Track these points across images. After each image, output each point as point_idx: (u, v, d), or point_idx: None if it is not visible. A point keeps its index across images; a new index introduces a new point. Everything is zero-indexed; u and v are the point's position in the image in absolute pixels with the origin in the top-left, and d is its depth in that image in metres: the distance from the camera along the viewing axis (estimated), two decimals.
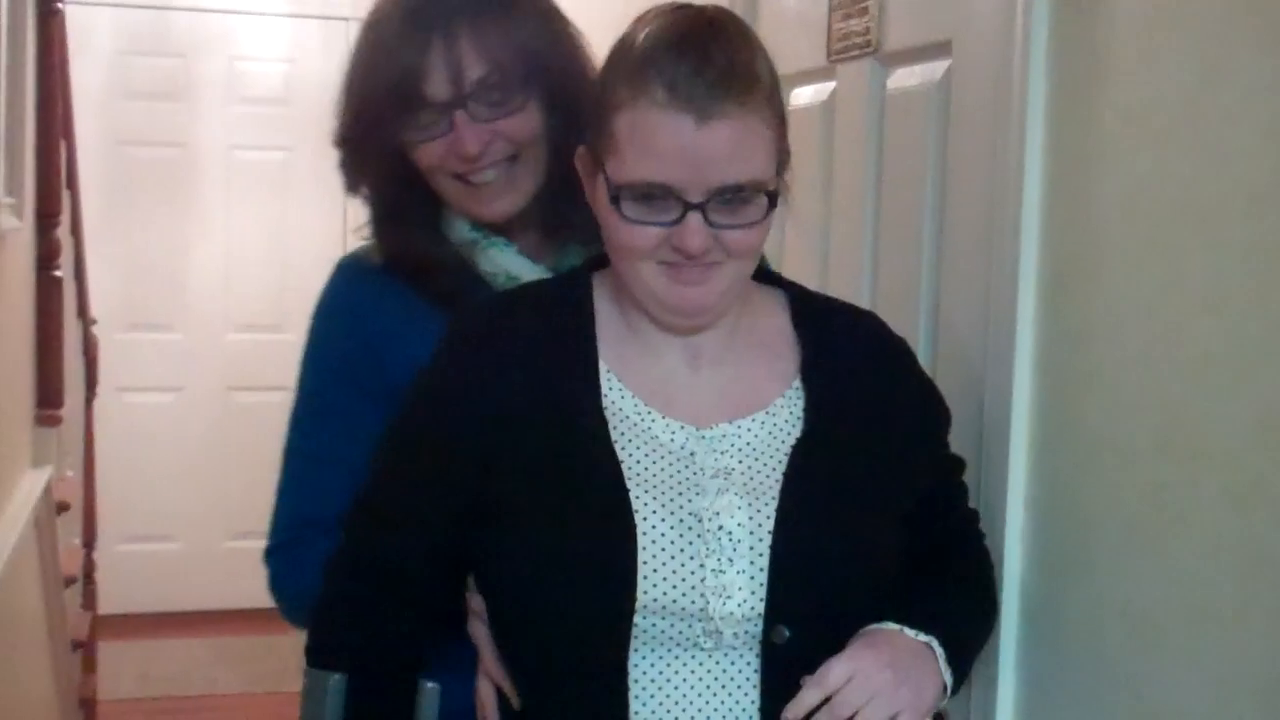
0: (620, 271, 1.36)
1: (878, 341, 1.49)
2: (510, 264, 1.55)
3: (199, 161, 5.59)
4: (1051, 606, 1.55)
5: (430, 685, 1.39)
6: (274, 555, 1.61)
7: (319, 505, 1.55)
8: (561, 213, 1.54)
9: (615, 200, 1.29)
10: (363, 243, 1.63)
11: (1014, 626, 1.60)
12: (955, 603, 1.43)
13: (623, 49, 1.32)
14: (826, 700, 1.27)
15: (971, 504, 1.60)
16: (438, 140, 1.46)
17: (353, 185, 1.59)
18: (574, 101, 1.45)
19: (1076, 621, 1.52)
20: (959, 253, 1.76)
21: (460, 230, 1.57)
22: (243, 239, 5.59)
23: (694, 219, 1.26)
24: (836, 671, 1.27)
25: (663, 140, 1.25)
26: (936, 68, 1.83)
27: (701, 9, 1.38)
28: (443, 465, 1.36)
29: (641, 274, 1.32)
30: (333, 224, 5.55)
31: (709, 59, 1.26)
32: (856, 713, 1.26)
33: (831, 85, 2.12)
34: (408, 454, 1.40)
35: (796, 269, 2.04)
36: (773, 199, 1.31)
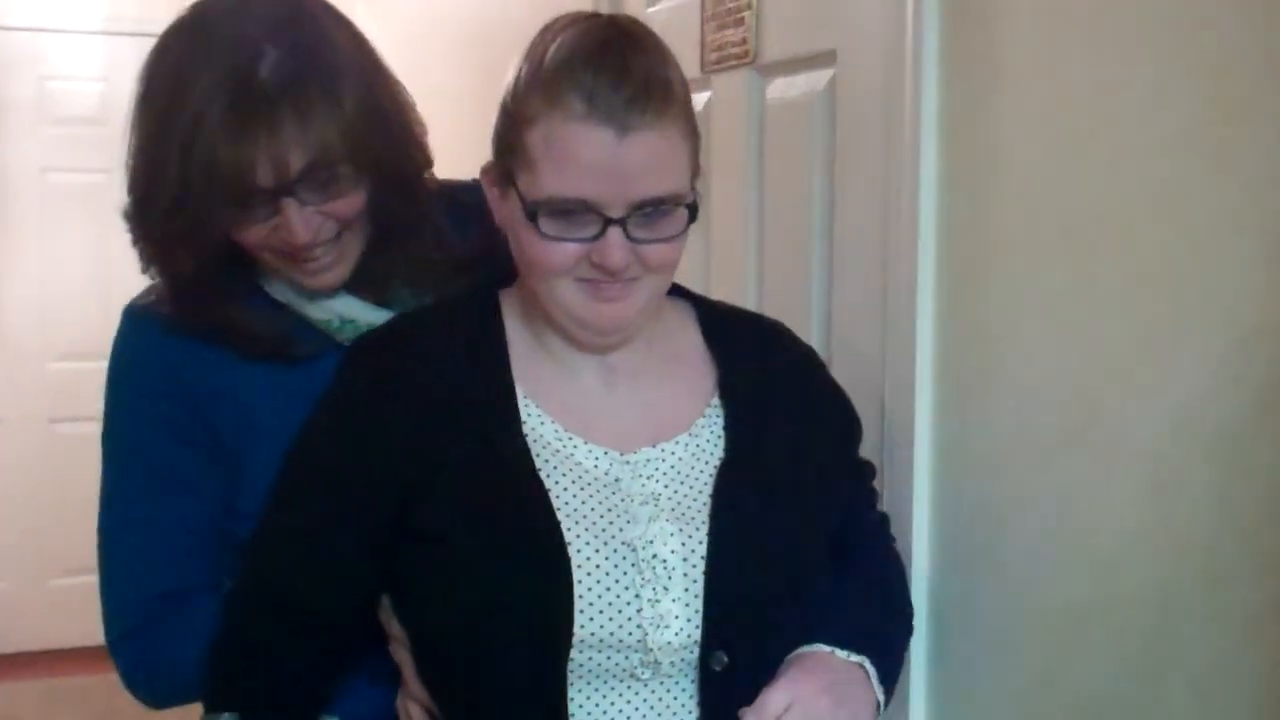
0: (534, 290, 1.31)
1: (790, 353, 1.48)
2: (343, 308, 1.46)
3: (10, 185, 5.34)
4: (962, 606, 1.58)
5: None
6: (127, 642, 1.46)
7: (173, 576, 1.43)
8: (385, 262, 1.46)
9: (532, 217, 1.24)
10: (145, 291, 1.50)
11: (923, 628, 1.62)
12: (880, 618, 1.42)
13: (533, 60, 1.27)
14: None
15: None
16: (264, 223, 1.35)
17: (155, 267, 1.43)
18: (397, 165, 1.40)
19: (989, 620, 1.54)
20: (852, 258, 1.78)
21: (280, 290, 1.46)
22: (61, 264, 5.36)
23: (615, 234, 1.23)
24: (775, 700, 1.24)
25: (582, 154, 1.22)
26: (819, 77, 1.84)
27: (613, 18, 1.35)
28: (354, 496, 1.30)
29: (557, 292, 1.28)
30: None
31: (628, 71, 1.23)
32: None
33: (706, 95, 2.13)
34: (313, 486, 1.34)
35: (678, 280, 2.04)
36: (693, 211, 1.29)
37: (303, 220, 1.33)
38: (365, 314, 1.44)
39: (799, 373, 1.47)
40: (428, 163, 1.47)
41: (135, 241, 1.42)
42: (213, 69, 1.28)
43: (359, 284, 1.44)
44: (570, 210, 1.24)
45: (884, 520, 1.57)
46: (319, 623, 1.35)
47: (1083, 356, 1.41)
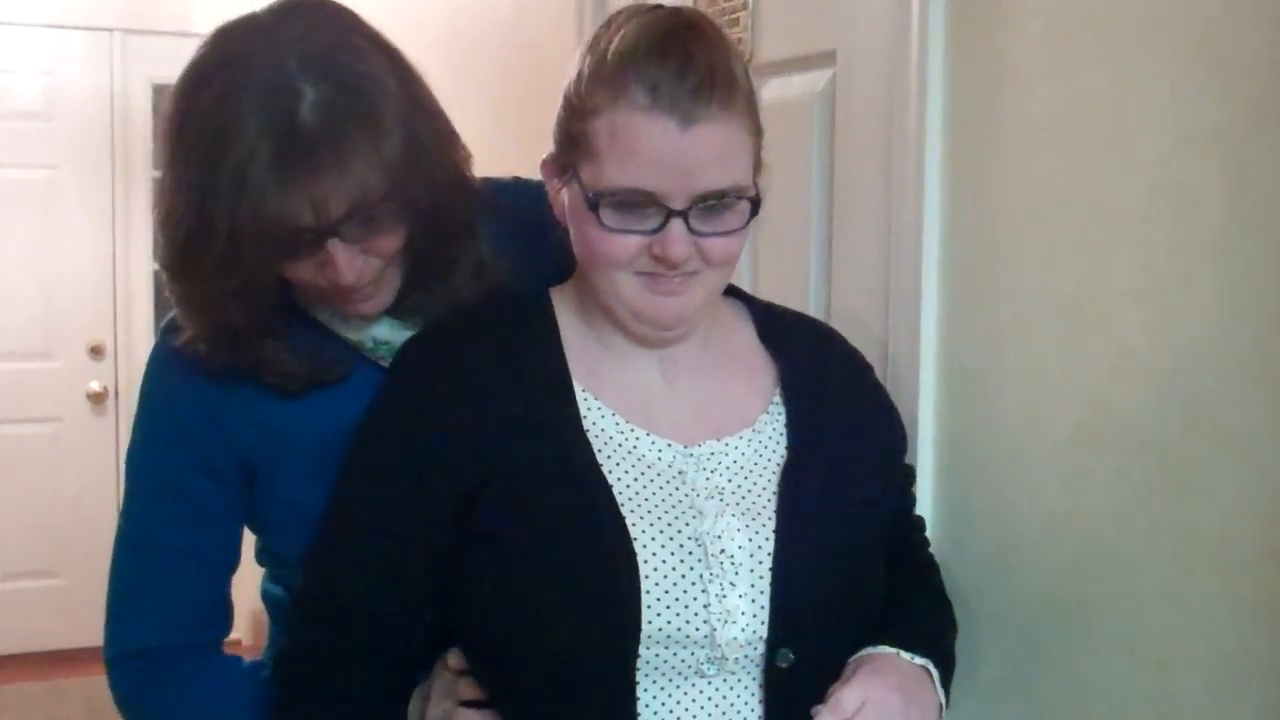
0: (593, 282, 1.31)
1: (845, 358, 1.49)
2: (378, 331, 1.44)
3: None
4: (970, 602, 1.59)
5: None
6: (118, 670, 1.44)
7: (174, 621, 1.42)
8: (424, 295, 1.44)
9: (594, 208, 1.24)
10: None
11: None
12: (936, 621, 1.43)
13: (596, 52, 1.27)
14: None
15: None
16: (309, 261, 1.33)
17: (204, 319, 1.38)
18: (438, 201, 1.37)
19: (998, 617, 1.56)
20: (854, 258, 1.79)
21: (316, 309, 1.45)
22: (4, 262, 5.27)
23: (677, 226, 1.23)
24: (850, 698, 1.24)
25: (645, 145, 1.21)
26: (818, 77, 1.86)
27: (677, 10, 1.33)
28: (416, 501, 1.29)
29: (618, 285, 1.28)
30: (101, 245, 5.30)
31: (692, 61, 1.22)
32: None
33: None
34: (372, 494, 1.32)
35: None
36: (755, 205, 1.28)
37: (348, 259, 1.30)
38: (401, 336, 1.42)
39: (852, 376, 1.47)
40: (471, 191, 1.43)
41: (181, 295, 1.37)
42: (253, 114, 1.24)
43: (396, 310, 1.43)
44: (633, 202, 1.23)
45: (922, 525, 1.58)
46: (386, 634, 1.32)
47: (1094, 353, 1.44)
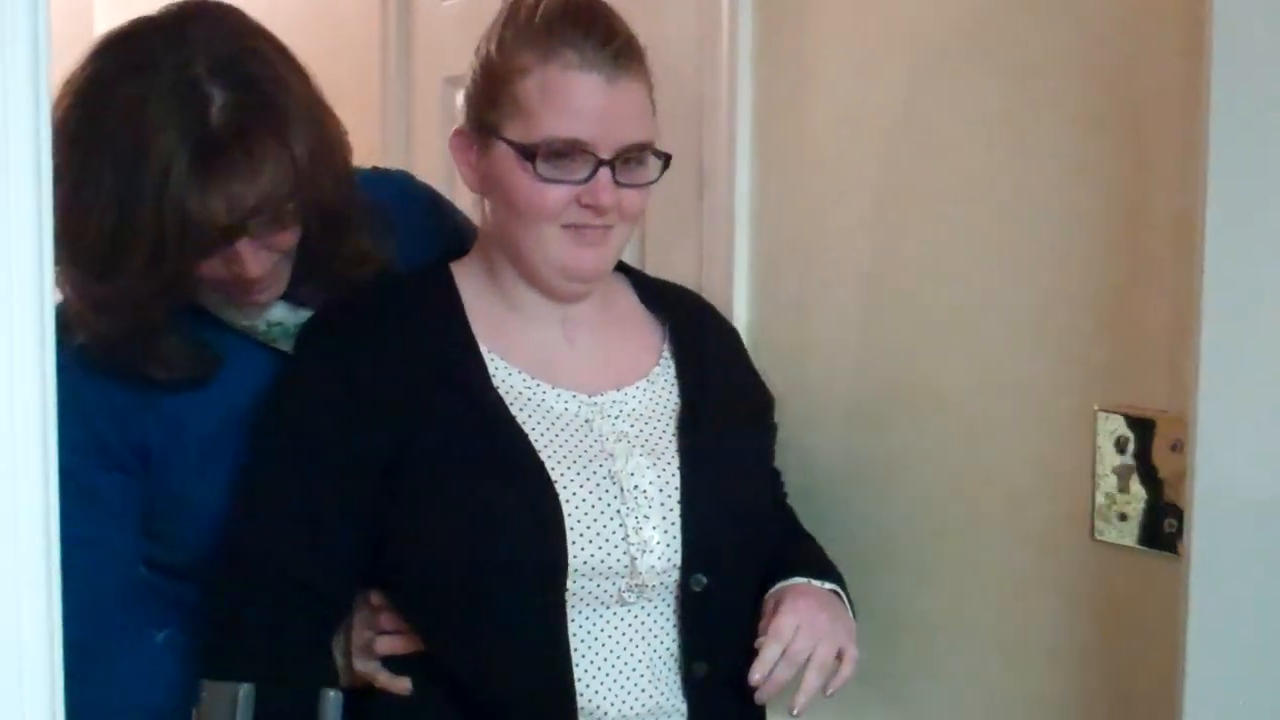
0: (518, 242, 1.39)
1: (719, 322, 1.63)
2: (272, 313, 1.47)
3: None
4: None
5: (333, 693, 1.37)
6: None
7: (99, 613, 1.38)
8: (313, 288, 1.48)
9: (529, 158, 1.34)
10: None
11: None
12: (825, 557, 1.57)
13: (517, 21, 1.37)
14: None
15: None
16: (218, 256, 1.35)
17: (109, 318, 1.37)
18: (335, 198, 1.41)
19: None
20: (666, 243, 1.94)
21: (205, 300, 1.46)
22: None
23: (605, 175, 1.35)
24: (786, 624, 1.37)
25: (577, 98, 1.33)
26: None
27: None
28: (340, 463, 1.36)
29: (545, 239, 1.37)
30: None
31: (613, 30, 1.36)
32: (810, 656, 1.37)
33: None
34: (294, 461, 1.38)
35: None
36: (666, 162, 1.42)
37: (253, 255, 1.35)
38: (296, 317, 1.47)
39: (726, 338, 1.62)
40: (355, 184, 1.48)
41: (91, 299, 1.35)
42: (168, 117, 1.26)
43: (287, 297, 1.47)
44: (565, 152, 1.34)
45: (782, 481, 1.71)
46: (314, 595, 1.38)
47: (894, 320, 1.62)
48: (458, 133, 1.43)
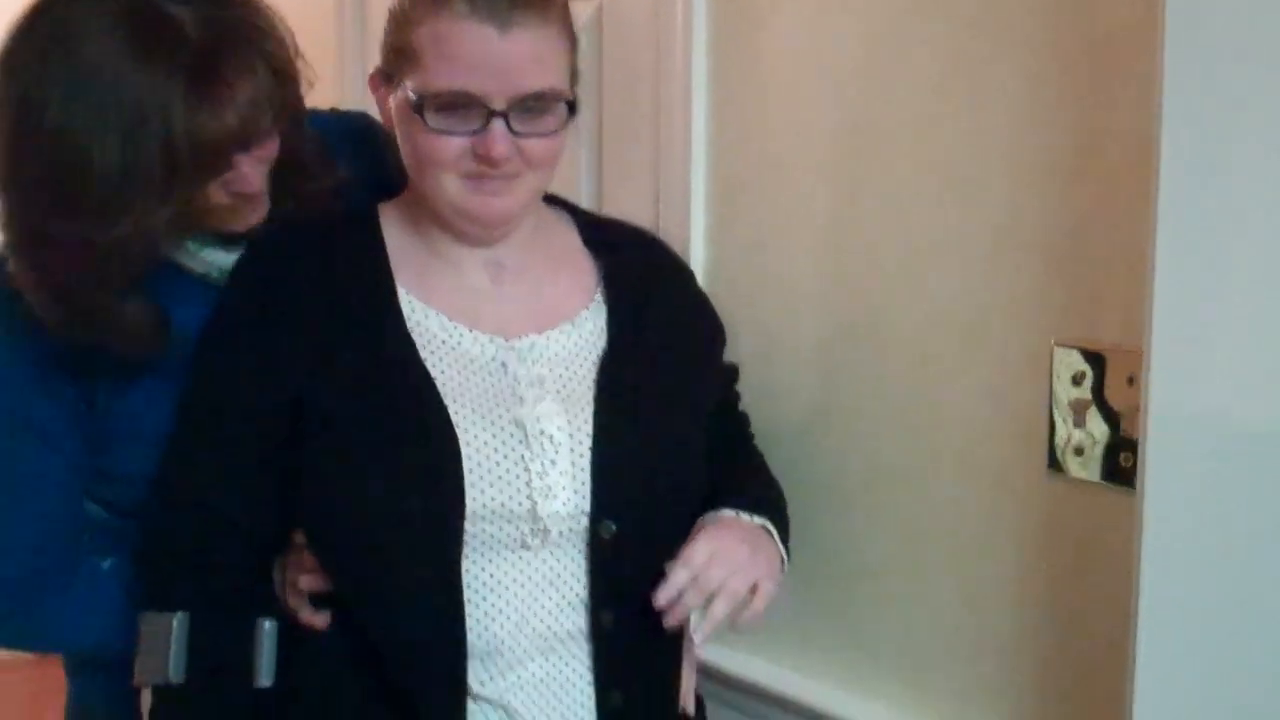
0: (422, 187, 1.39)
1: (666, 260, 1.61)
2: (221, 259, 1.46)
3: None
4: None
5: (268, 623, 1.39)
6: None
7: (43, 548, 1.45)
8: (284, 210, 1.48)
9: (419, 110, 1.33)
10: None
11: None
12: (769, 492, 1.58)
13: None
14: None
15: None
16: (222, 175, 1.35)
17: (76, 281, 1.35)
18: (297, 105, 1.43)
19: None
20: (622, 181, 1.93)
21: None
22: None
23: (498, 126, 1.32)
24: (699, 551, 1.37)
25: (467, 49, 1.31)
26: (583, 9, 1.97)
27: None
28: (251, 404, 1.38)
29: (444, 186, 1.37)
30: None
31: None
32: (722, 586, 1.37)
33: None
34: (213, 399, 1.41)
35: None
36: (571, 108, 1.38)
37: (254, 169, 1.36)
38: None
39: (674, 277, 1.61)
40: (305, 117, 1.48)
41: (67, 259, 1.33)
42: (150, 53, 1.26)
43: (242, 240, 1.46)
44: (456, 104, 1.32)
45: (748, 421, 1.71)
46: (236, 528, 1.40)
47: (847, 259, 1.63)
48: (374, 74, 1.43)
